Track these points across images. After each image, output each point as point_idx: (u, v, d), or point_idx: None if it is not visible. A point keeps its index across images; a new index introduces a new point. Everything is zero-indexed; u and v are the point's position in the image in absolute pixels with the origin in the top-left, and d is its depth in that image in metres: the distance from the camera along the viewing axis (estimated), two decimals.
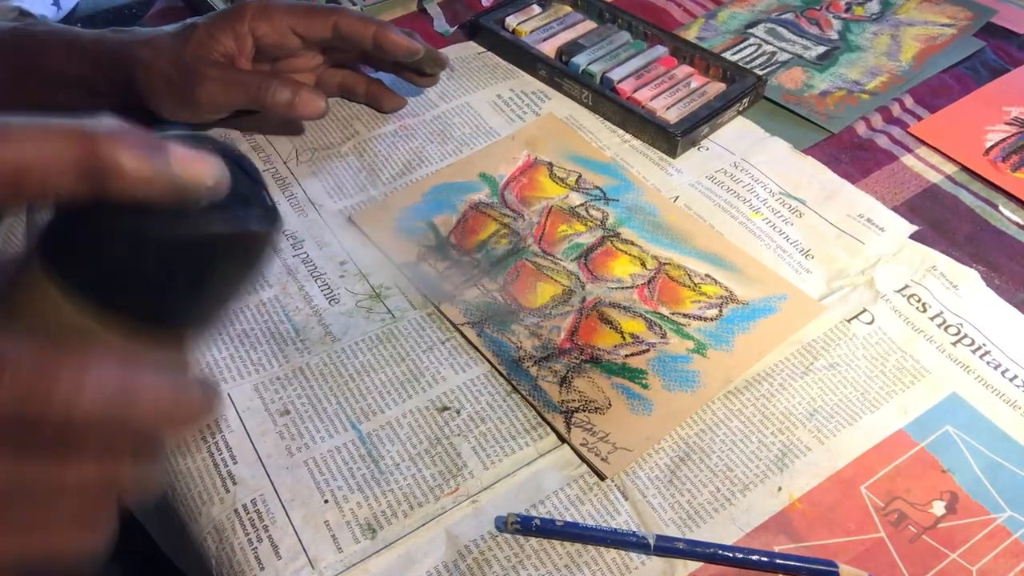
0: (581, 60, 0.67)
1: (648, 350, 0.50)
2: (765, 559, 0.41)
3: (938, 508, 0.43)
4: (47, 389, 0.20)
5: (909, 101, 0.67)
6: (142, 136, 0.22)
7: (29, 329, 0.23)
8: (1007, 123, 0.65)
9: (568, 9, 0.74)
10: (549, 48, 0.70)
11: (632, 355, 0.49)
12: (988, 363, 0.49)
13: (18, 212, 0.22)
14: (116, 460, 0.22)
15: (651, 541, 0.41)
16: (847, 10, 0.76)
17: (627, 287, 0.53)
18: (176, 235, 0.22)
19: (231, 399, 0.48)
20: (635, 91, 0.65)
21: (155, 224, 0.22)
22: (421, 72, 0.64)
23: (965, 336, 0.51)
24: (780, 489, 0.44)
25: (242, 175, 0.24)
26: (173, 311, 0.24)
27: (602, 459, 0.45)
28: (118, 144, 0.21)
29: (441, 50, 0.66)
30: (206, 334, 0.26)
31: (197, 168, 0.22)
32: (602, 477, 0.44)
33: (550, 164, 0.62)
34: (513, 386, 0.48)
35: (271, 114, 0.59)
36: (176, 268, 0.23)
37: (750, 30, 0.74)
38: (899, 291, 0.53)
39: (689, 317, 0.51)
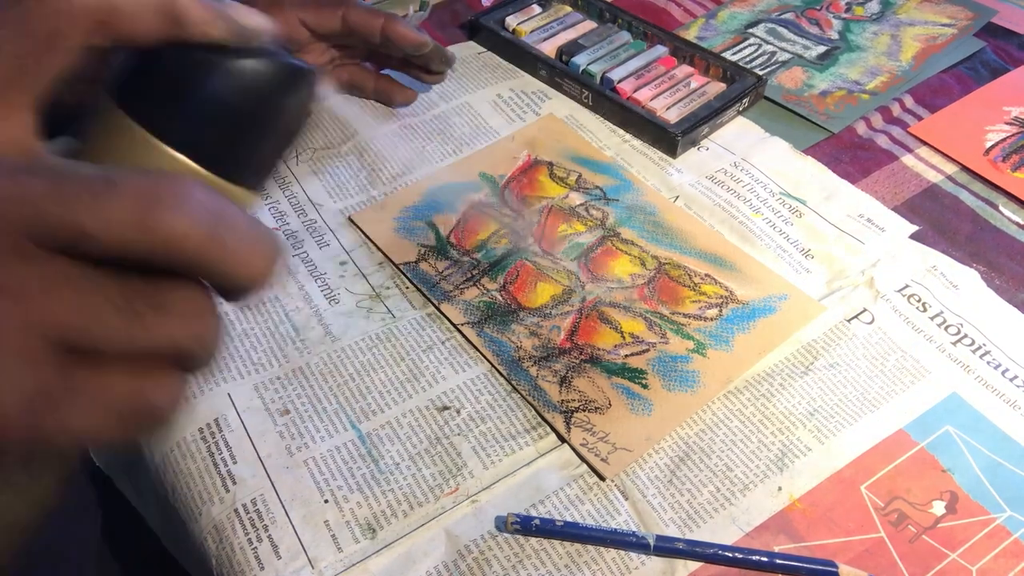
0: (581, 60, 0.67)
1: (648, 350, 0.50)
2: (765, 559, 0.41)
3: (938, 508, 0.43)
4: (158, 207, 0.20)
5: (909, 101, 0.67)
6: None
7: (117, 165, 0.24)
8: (1007, 123, 0.65)
9: (568, 9, 0.74)
10: (549, 48, 0.70)
11: (632, 355, 0.49)
12: (988, 363, 0.49)
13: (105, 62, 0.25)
14: (203, 302, 0.22)
15: (651, 541, 0.41)
16: (847, 10, 0.76)
17: (627, 287, 0.53)
18: (242, 65, 0.25)
19: (231, 399, 0.48)
20: (635, 91, 0.65)
21: (222, 57, 0.25)
22: (428, 69, 0.64)
23: (965, 336, 0.51)
24: (780, 489, 0.44)
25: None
26: (240, 151, 0.26)
27: (602, 459, 0.45)
28: None
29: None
30: (262, 184, 0.27)
31: (252, 15, 0.26)
32: (602, 477, 0.44)
33: (550, 164, 0.62)
34: (513, 386, 0.48)
35: None
36: (242, 100, 0.25)
37: (750, 30, 0.74)
38: (899, 291, 0.53)
39: (689, 317, 0.51)
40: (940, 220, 0.58)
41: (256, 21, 0.26)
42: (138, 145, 0.24)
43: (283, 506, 0.43)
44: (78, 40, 0.24)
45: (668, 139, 0.62)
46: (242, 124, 0.25)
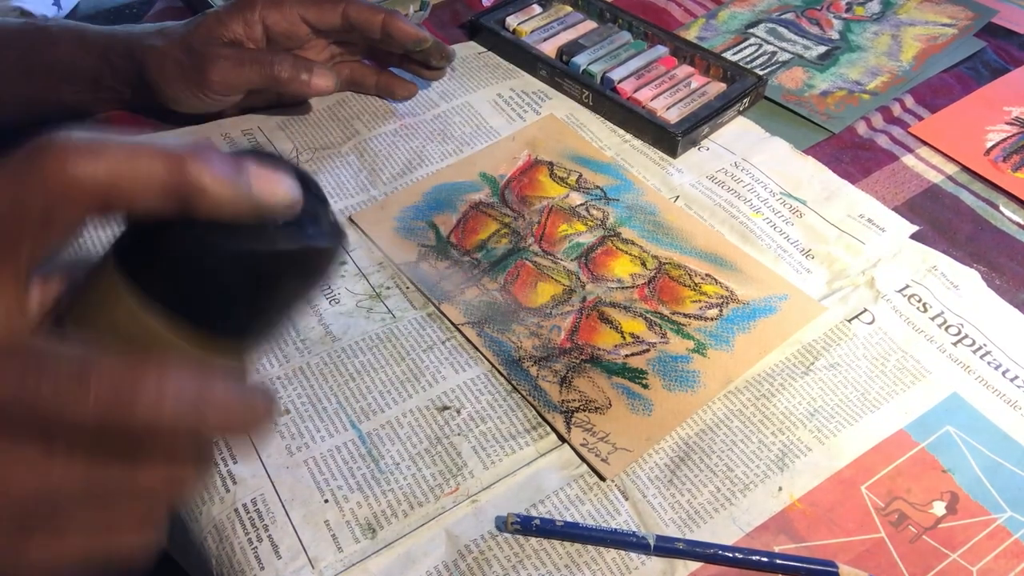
0: (582, 60, 0.67)
1: (648, 350, 0.50)
2: (765, 559, 0.41)
3: (938, 508, 0.43)
4: (131, 399, 0.21)
5: (910, 101, 0.67)
6: (225, 157, 0.23)
7: (103, 333, 0.24)
8: (1008, 123, 0.65)
9: (568, 9, 0.74)
10: (550, 48, 0.70)
11: (632, 355, 0.49)
12: (989, 363, 0.49)
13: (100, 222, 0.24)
14: (182, 464, 0.23)
15: (651, 541, 0.41)
16: (848, 10, 0.76)
17: (627, 287, 0.53)
18: (250, 251, 0.24)
19: None
20: (636, 91, 0.65)
21: (230, 240, 0.23)
22: (428, 65, 0.65)
23: (966, 336, 0.51)
24: (780, 489, 0.44)
25: (308, 193, 0.26)
26: (239, 323, 0.25)
27: (602, 460, 0.45)
28: (204, 167, 0.23)
29: None
30: (266, 344, 0.27)
31: (274, 189, 0.24)
32: (602, 477, 0.44)
33: (550, 164, 0.61)
34: (513, 386, 0.48)
35: (283, 93, 0.60)
36: (246, 282, 0.24)
37: (751, 30, 0.74)
38: (900, 291, 0.53)
39: (689, 317, 0.51)
40: (940, 220, 0.58)
41: (280, 193, 0.24)
42: (129, 308, 0.23)
43: (283, 506, 0.43)
44: (75, 217, 0.22)
45: (668, 139, 0.62)
46: (243, 302, 0.24)
